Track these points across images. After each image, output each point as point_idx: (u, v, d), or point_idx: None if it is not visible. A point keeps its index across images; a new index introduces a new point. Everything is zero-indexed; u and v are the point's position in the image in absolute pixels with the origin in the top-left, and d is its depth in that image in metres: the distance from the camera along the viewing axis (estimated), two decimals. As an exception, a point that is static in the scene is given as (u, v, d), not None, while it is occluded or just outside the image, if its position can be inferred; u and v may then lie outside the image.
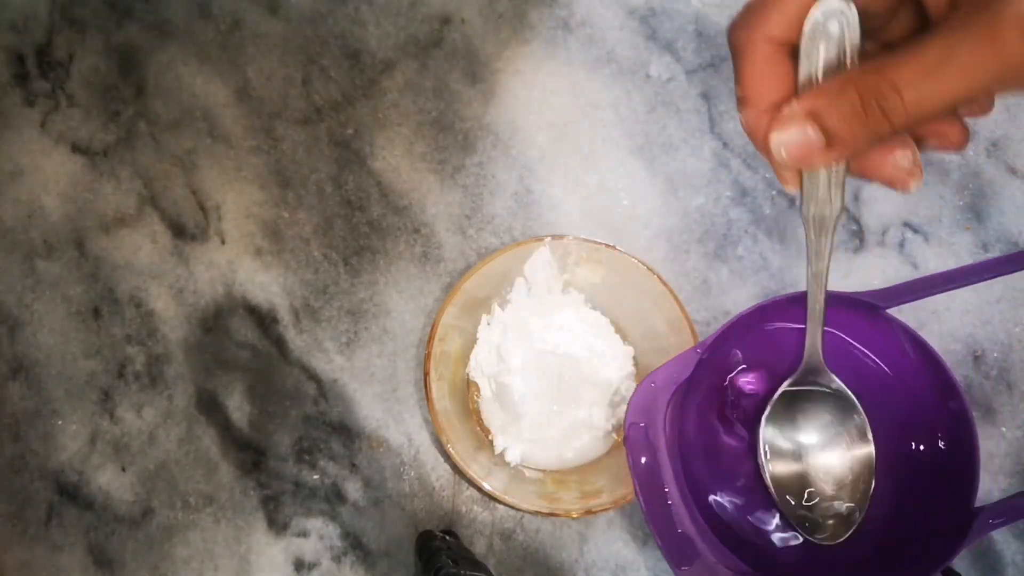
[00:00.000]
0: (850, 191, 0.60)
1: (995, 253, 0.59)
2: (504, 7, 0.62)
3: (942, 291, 0.42)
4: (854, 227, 0.59)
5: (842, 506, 0.42)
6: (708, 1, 0.64)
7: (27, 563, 0.52)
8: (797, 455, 0.42)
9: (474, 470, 0.49)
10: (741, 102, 0.26)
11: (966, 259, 0.59)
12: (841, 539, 0.41)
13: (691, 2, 0.64)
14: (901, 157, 0.25)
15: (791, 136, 0.23)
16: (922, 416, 0.44)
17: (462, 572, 0.45)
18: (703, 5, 0.64)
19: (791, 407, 0.42)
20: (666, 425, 0.41)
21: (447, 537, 0.51)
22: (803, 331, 0.41)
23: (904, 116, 0.22)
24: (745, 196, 0.59)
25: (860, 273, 0.58)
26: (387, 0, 0.62)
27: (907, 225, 0.59)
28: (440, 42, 0.61)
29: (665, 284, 0.51)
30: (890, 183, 0.26)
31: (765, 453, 0.41)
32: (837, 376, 0.42)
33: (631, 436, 0.42)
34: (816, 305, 0.36)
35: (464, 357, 0.54)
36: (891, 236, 0.59)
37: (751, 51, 0.25)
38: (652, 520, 0.40)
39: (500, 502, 0.49)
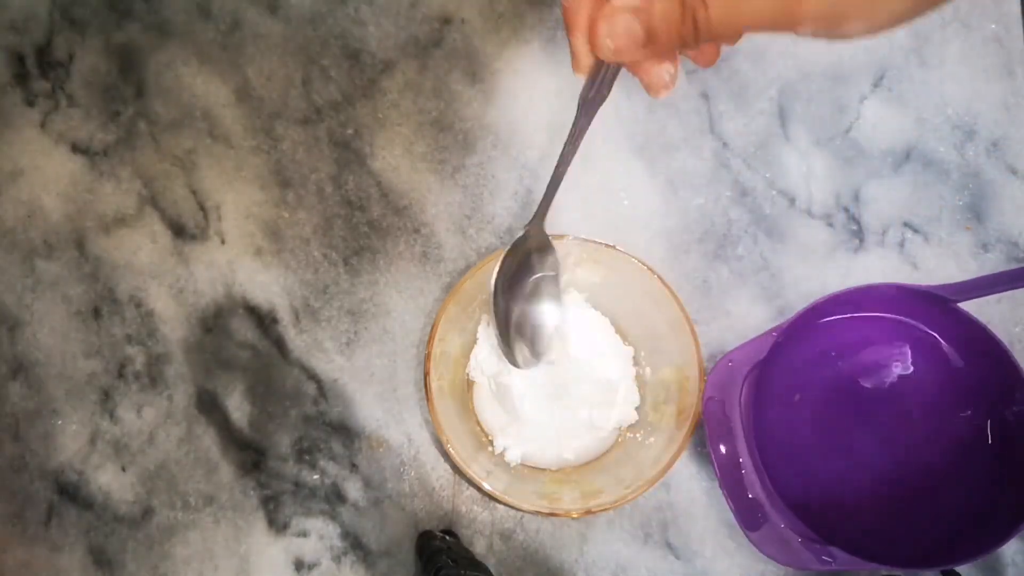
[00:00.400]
0: (850, 192, 0.60)
1: (995, 253, 0.59)
2: (504, 7, 0.62)
3: (1012, 288, 0.44)
4: (854, 227, 0.59)
5: (531, 344, 0.47)
6: (708, 1, 0.64)
7: (27, 563, 0.52)
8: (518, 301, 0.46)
9: (474, 470, 0.49)
10: None
11: (966, 259, 0.59)
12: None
13: (691, 2, 0.64)
14: (666, 70, 0.28)
15: (619, 27, 0.25)
16: (989, 403, 0.47)
17: (462, 572, 0.45)
18: (703, 5, 0.64)
19: (518, 262, 0.45)
20: (741, 400, 0.45)
21: (447, 537, 0.51)
22: (872, 320, 0.47)
23: (707, 32, 0.24)
24: (745, 196, 0.59)
25: (860, 273, 0.58)
26: (387, 0, 0.62)
27: (907, 225, 0.59)
28: (440, 42, 0.61)
29: (665, 284, 0.51)
30: (647, 87, 0.29)
31: (494, 294, 0.45)
32: (912, 363, 0.47)
33: (708, 409, 0.46)
34: (557, 176, 0.40)
35: (464, 357, 0.54)
36: (891, 236, 0.59)
37: None
38: (725, 486, 0.45)
39: (500, 502, 0.49)
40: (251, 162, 0.59)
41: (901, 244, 0.59)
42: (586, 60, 0.29)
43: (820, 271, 0.58)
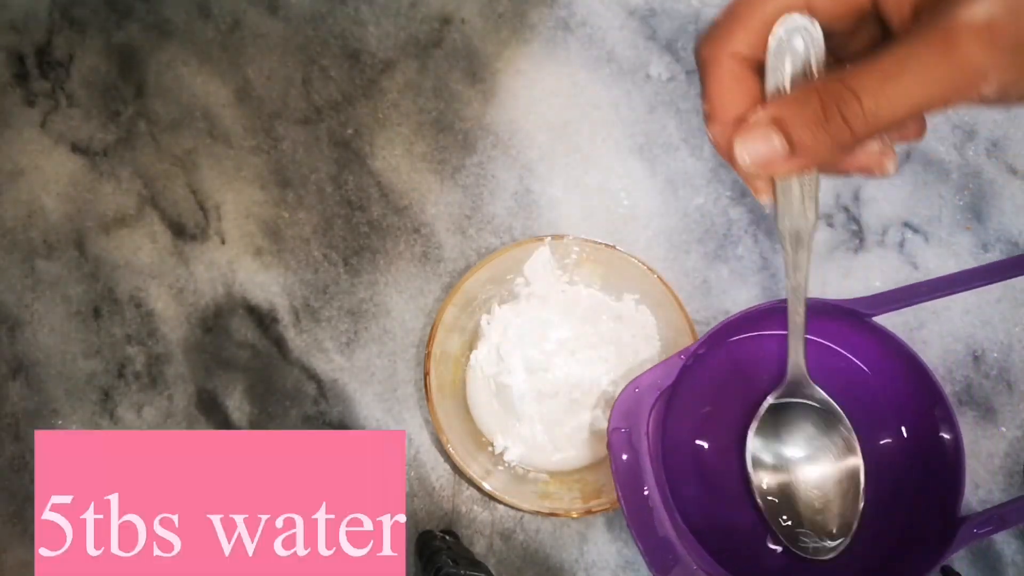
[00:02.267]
0: (849, 191, 0.60)
1: (995, 253, 0.59)
2: (504, 7, 0.62)
3: (929, 299, 0.42)
4: (854, 227, 0.59)
5: (830, 521, 0.41)
6: (708, 1, 0.64)
7: (27, 563, 0.52)
8: (783, 468, 0.42)
9: (474, 470, 0.49)
10: (708, 117, 0.26)
11: (966, 259, 0.59)
12: (829, 556, 0.41)
13: (691, 2, 0.64)
14: (869, 148, 0.25)
15: (755, 143, 0.24)
16: (909, 423, 0.44)
17: (462, 572, 0.45)
18: (703, 5, 0.64)
19: (777, 420, 0.42)
20: (649, 430, 0.41)
21: (447, 537, 0.51)
22: (782, 337, 0.41)
23: (863, 123, 0.22)
24: (745, 196, 0.59)
25: (860, 273, 0.58)
26: (387, 0, 0.62)
27: (907, 225, 0.59)
28: (440, 42, 0.61)
29: (665, 284, 0.51)
30: (867, 171, 0.26)
31: (751, 466, 0.41)
32: (822, 386, 0.42)
33: (613, 441, 0.42)
34: (797, 319, 0.36)
35: (464, 357, 0.54)
36: (891, 236, 0.59)
37: (717, 66, 0.25)
38: (632, 523, 0.40)
39: (500, 502, 0.49)
40: (251, 162, 0.59)
41: (901, 244, 0.59)
42: (761, 182, 0.27)
43: (820, 271, 0.58)
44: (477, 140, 0.60)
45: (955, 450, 0.42)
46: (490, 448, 0.52)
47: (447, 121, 0.60)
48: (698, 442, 0.46)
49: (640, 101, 0.61)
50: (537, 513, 0.49)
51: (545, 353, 0.52)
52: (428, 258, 0.58)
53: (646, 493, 0.40)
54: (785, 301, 0.36)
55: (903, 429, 0.45)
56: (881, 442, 0.45)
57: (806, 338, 0.38)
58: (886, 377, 0.45)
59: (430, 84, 0.61)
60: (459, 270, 0.57)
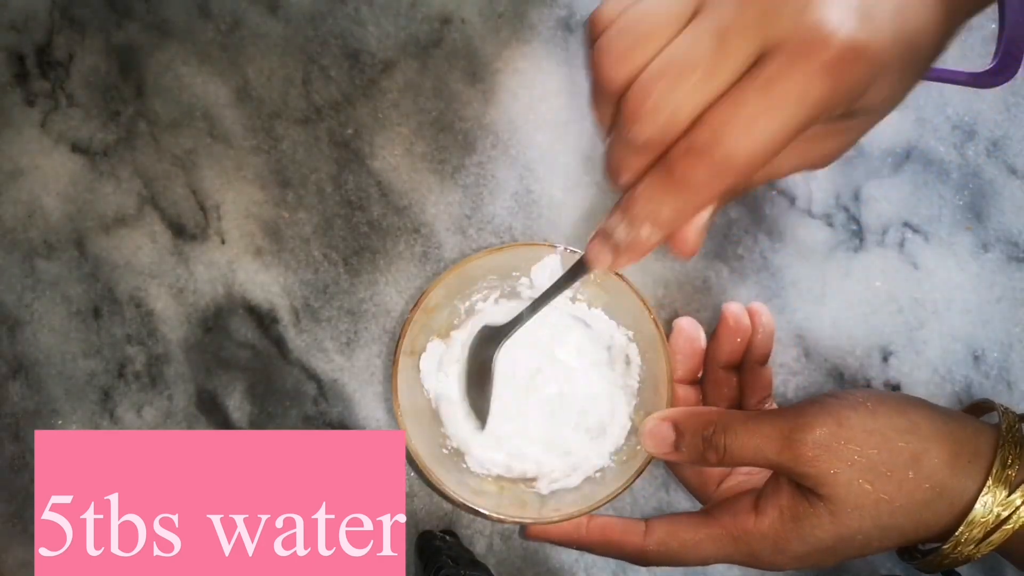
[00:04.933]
0: (849, 191, 0.60)
1: (996, 253, 0.59)
2: (504, 7, 0.62)
3: None
4: (854, 227, 0.59)
5: None
6: (708, 1, 0.64)
7: (27, 563, 0.52)
8: None
9: (446, 481, 0.47)
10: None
11: (967, 259, 0.59)
12: None
13: (691, 2, 0.64)
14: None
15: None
16: None
17: (462, 572, 0.45)
18: (703, 5, 0.64)
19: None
20: None
21: (447, 537, 0.51)
22: None
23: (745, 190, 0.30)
24: (745, 196, 0.59)
25: (860, 273, 0.58)
26: (387, 0, 0.62)
27: (907, 225, 0.59)
28: (440, 42, 0.61)
29: (660, 330, 0.49)
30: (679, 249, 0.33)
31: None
32: None
33: None
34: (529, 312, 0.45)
35: (449, 335, 0.53)
36: (891, 236, 0.59)
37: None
38: None
39: (478, 514, 0.49)
40: (251, 162, 0.59)
41: (901, 244, 0.59)
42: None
43: (820, 271, 0.58)
44: (477, 140, 0.60)
45: None
46: (464, 465, 0.51)
47: (447, 121, 0.60)
48: None
49: (640, 101, 0.61)
50: (512, 522, 0.47)
51: (538, 361, 0.51)
52: (428, 258, 0.58)
53: None
54: None
55: None
56: None
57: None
58: None
59: (430, 84, 0.61)
60: (459, 270, 0.57)
